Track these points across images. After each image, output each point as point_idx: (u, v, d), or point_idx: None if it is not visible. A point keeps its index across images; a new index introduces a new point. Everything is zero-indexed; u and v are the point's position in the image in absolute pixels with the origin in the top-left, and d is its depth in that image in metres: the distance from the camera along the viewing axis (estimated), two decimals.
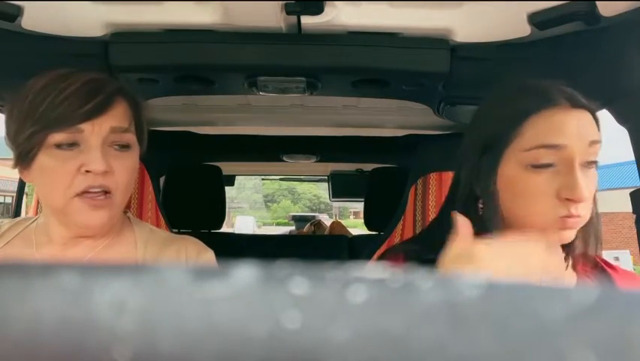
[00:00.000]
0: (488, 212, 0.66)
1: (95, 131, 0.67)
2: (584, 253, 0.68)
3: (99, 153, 0.66)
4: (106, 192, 0.68)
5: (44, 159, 0.67)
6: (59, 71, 0.69)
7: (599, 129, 0.64)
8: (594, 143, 0.62)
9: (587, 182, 0.61)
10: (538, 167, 0.62)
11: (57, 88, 0.66)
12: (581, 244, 0.67)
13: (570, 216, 0.61)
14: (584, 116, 0.64)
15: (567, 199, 0.60)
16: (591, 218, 0.65)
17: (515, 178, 0.64)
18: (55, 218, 0.72)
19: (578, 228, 0.63)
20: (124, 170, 0.70)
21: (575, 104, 0.64)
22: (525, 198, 0.63)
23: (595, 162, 0.63)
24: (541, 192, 0.62)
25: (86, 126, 0.66)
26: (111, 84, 0.70)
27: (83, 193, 0.67)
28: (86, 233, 0.73)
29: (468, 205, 0.68)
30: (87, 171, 0.66)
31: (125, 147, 0.71)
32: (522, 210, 0.64)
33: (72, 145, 0.67)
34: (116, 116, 0.69)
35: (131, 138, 0.72)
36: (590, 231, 0.67)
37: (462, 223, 0.59)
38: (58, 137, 0.66)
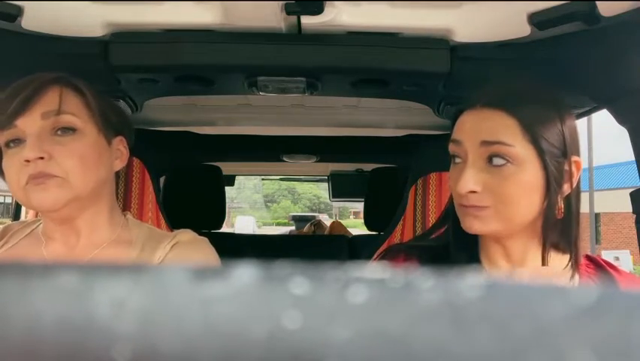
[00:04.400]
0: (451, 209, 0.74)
1: (27, 122, 0.70)
2: (555, 251, 0.68)
3: (33, 140, 0.69)
4: (53, 176, 0.69)
5: (3, 162, 0.74)
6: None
7: (521, 129, 0.63)
8: (488, 144, 0.64)
9: (489, 179, 0.65)
10: (454, 162, 0.70)
11: (4, 94, 0.71)
12: (550, 242, 0.67)
13: (463, 205, 0.67)
14: (489, 115, 0.65)
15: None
16: (555, 216, 0.65)
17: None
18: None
19: (483, 218, 0.65)
20: (68, 153, 0.71)
21: (484, 104, 0.66)
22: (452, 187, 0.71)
23: (507, 161, 0.63)
24: (452, 182, 0.70)
25: (18, 122, 0.70)
26: (43, 77, 0.72)
27: (29, 180, 0.69)
28: (54, 216, 0.75)
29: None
30: (27, 161, 0.69)
31: (67, 129, 0.72)
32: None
33: (16, 142, 0.71)
34: (47, 103, 0.71)
35: (72, 120, 0.72)
36: (556, 229, 0.67)
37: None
38: (4, 139, 0.71)
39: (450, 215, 0.74)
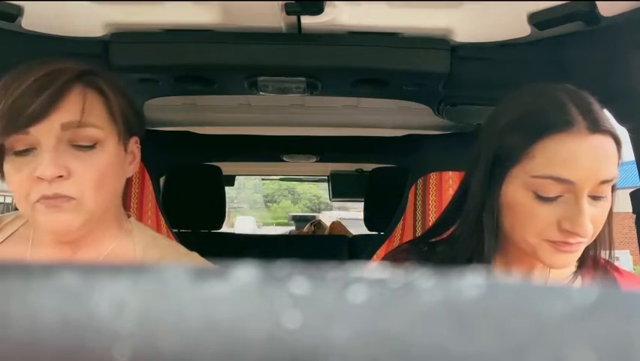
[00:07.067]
0: (486, 227, 0.63)
1: (45, 131, 0.60)
2: (594, 256, 0.66)
3: (49, 156, 0.60)
4: (68, 198, 0.61)
5: (6, 166, 0.63)
6: (24, 66, 0.62)
7: (619, 154, 0.59)
8: (606, 182, 0.58)
9: (595, 212, 0.58)
10: (545, 199, 0.58)
11: (10, 88, 0.60)
12: (592, 247, 0.65)
13: (567, 243, 0.58)
14: (602, 143, 0.57)
15: (567, 231, 0.58)
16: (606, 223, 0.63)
17: (519, 201, 0.60)
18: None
19: (578, 252, 0.60)
20: (88, 171, 0.62)
21: (594, 129, 0.57)
22: (525, 222, 0.61)
23: (605, 196, 0.59)
24: (543, 221, 0.59)
25: (33, 129, 0.60)
26: (66, 73, 0.61)
27: (41, 199, 0.61)
28: (62, 238, 0.67)
29: (477, 215, 0.65)
30: (39, 178, 0.60)
31: (86, 147, 0.63)
32: (520, 232, 0.62)
33: (28, 150, 0.61)
34: (69, 111, 0.61)
35: (94, 133, 0.63)
36: (603, 235, 0.64)
37: None
38: (12, 143, 0.61)
39: (450, 221, 0.70)
